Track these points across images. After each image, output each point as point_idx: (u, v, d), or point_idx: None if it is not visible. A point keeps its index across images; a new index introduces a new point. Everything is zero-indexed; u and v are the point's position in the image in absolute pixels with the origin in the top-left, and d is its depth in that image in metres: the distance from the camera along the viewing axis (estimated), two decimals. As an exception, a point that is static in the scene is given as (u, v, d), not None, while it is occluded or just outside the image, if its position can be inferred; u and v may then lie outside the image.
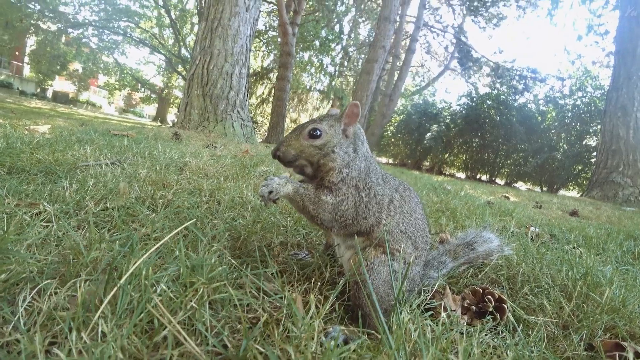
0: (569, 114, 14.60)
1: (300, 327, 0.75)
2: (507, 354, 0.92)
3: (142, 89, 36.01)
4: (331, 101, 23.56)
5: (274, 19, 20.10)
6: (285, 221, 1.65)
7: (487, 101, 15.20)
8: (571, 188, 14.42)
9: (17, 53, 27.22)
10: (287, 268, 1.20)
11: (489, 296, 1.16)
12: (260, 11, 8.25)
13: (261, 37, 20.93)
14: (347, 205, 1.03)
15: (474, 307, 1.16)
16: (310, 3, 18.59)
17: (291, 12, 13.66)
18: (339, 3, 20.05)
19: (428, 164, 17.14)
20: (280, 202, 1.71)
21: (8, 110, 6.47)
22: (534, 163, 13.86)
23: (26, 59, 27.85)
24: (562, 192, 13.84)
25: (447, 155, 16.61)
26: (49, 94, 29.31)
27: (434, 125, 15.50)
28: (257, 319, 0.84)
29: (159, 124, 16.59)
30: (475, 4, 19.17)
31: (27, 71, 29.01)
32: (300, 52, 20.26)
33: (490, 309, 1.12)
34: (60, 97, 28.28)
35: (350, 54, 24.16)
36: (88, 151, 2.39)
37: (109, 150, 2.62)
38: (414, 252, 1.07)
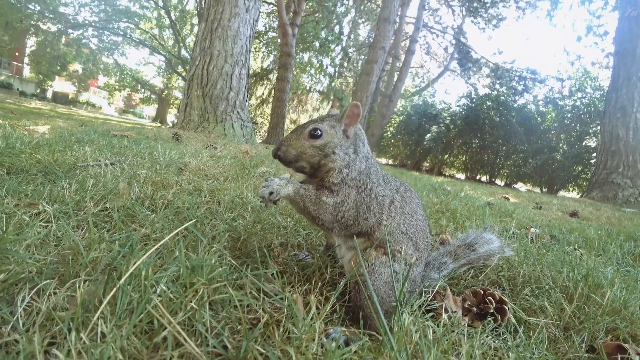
0: (569, 115, 14.63)
1: (301, 328, 0.75)
2: (508, 356, 0.92)
3: (142, 90, 36.05)
4: (331, 102, 23.58)
5: (274, 19, 20.14)
6: (286, 222, 1.64)
7: (487, 102, 15.22)
8: (571, 189, 14.43)
9: (17, 54, 27.23)
10: (288, 269, 1.19)
11: (490, 297, 1.15)
12: (260, 12, 8.27)
13: (261, 38, 20.96)
14: (348, 206, 1.02)
15: (474, 309, 1.15)
16: (310, 4, 18.62)
17: (291, 13, 13.68)
18: (339, 4, 20.09)
19: (428, 164, 17.15)
20: (280, 203, 1.71)
21: (8, 110, 6.47)
22: (534, 164, 13.87)
23: (26, 60, 27.86)
24: (561, 193, 13.85)
25: (446, 156, 16.62)
26: (49, 94, 29.33)
27: (434, 126, 15.51)
28: (258, 319, 0.84)
29: (159, 124, 16.59)
30: (475, 5, 19.21)
31: (27, 72, 29.02)
32: (300, 53, 20.29)
33: (491, 311, 1.11)
34: (60, 98, 28.29)
35: (350, 54, 24.19)
36: (88, 152, 2.38)
37: (108, 151, 2.62)
38: (415, 253, 1.07)
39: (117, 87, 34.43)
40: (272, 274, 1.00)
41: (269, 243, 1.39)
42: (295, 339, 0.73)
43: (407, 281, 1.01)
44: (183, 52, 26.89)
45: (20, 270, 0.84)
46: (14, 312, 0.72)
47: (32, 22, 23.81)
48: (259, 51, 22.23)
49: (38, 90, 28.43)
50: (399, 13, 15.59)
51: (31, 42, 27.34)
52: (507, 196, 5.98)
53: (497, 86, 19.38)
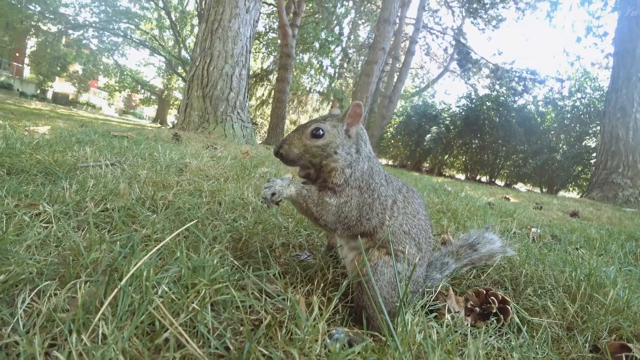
0: (569, 115, 14.63)
1: (304, 329, 0.74)
2: (512, 356, 0.91)
3: (142, 91, 36.07)
4: (331, 103, 23.60)
5: (274, 20, 20.16)
6: (287, 222, 1.64)
7: (487, 102, 15.23)
8: (571, 189, 14.43)
9: (17, 54, 27.24)
10: (289, 269, 1.19)
11: (493, 297, 1.15)
12: (260, 13, 8.27)
13: (261, 39, 20.98)
14: (351, 206, 1.02)
15: (477, 309, 1.15)
16: (310, 5, 18.64)
17: (291, 14, 13.69)
18: (339, 5, 20.12)
19: (428, 165, 17.15)
20: (282, 204, 1.71)
21: (8, 111, 6.46)
22: (534, 164, 13.87)
23: (26, 60, 27.87)
24: (561, 193, 13.85)
25: (446, 157, 16.62)
26: (49, 95, 29.33)
27: (434, 127, 15.51)
28: (260, 320, 0.83)
29: (159, 125, 16.59)
30: (475, 5, 19.24)
31: (27, 72, 29.03)
32: (300, 54, 20.31)
33: (494, 311, 1.11)
34: (60, 99, 28.29)
35: (350, 55, 24.22)
36: (88, 152, 2.38)
37: (109, 151, 2.61)
38: (418, 254, 1.06)
39: (117, 87, 34.43)
40: (274, 275, 1.00)
41: (271, 244, 1.38)
42: (298, 340, 0.73)
43: (410, 281, 1.00)
44: (183, 52, 26.91)
45: (20, 271, 0.83)
46: (14, 314, 0.71)
47: (32, 22, 23.82)
48: (259, 52, 22.24)
49: (38, 91, 28.44)
50: (398, 14, 15.62)
51: (31, 43, 27.35)
52: (507, 196, 5.98)
53: (497, 87, 19.41)
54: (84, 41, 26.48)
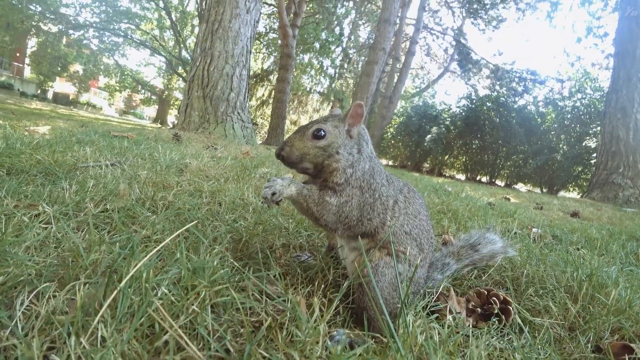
0: (569, 116, 14.63)
1: (305, 331, 0.74)
2: (514, 357, 0.91)
3: (143, 91, 36.08)
4: (331, 103, 23.60)
5: (275, 21, 20.17)
6: (287, 223, 1.63)
7: (487, 103, 15.23)
8: (571, 189, 14.42)
9: (18, 54, 27.27)
10: (290, 270, 1.18)
11: (494, 298, 1.14)
12: (260, 13, 8.27)
13: (261, 39, 20.99)
14: (352, 206, 1.01)
15: (479, 309, 1.14)
16: (311, 5, 18.66)
17: (291, 15, 13.70)
18: (339, 5, 20.13)
19: (428, 165, 17.15)
20: (282, 204, 1.70)
21: (8, 111, 6.46)
22: (534, 164, 13.87)
23: (27, 61, 27.89)
24: (562, 193, 13.85)
25: (447, 157, 16.62)
26: (50, 95, 29.35)
27: (434, 127, 15.52)
28: (260, 322, 0.83)
29: (159, 125, 16.59)
30: (475, 6, 19.25)
31: (27, 72, 29.05)
32: (301, 54, 20.31)
33: (496, 311, 1.10)
34: (60, 99, 28.31)
35: (351, 56, 24.22)
36: (88, 152, 2.37)
37: (109, 152, 2.61)
38: (420, 254, 1.06)
39: (117, 88, 34.43)
40: (275, 276, 0.99)
41: (271, 244, 1.38)
42: (298, 342, 0.72)
43: (411, 282, 1.00)
44: (184, 53, 26.92)
45: (19, 272, 0.83)
46: (13, 316, 0.70)
47: (33, 23, 23.84)
48: (259, 52, 22.26)
49: (39, 91, 28.45)
50: (399, 14, 15.62)
51: (32, 43, 27.37)
52: (507, 197, 5.97)
53: (497, 87, 19.42)
54: (85, 41, 26.50)
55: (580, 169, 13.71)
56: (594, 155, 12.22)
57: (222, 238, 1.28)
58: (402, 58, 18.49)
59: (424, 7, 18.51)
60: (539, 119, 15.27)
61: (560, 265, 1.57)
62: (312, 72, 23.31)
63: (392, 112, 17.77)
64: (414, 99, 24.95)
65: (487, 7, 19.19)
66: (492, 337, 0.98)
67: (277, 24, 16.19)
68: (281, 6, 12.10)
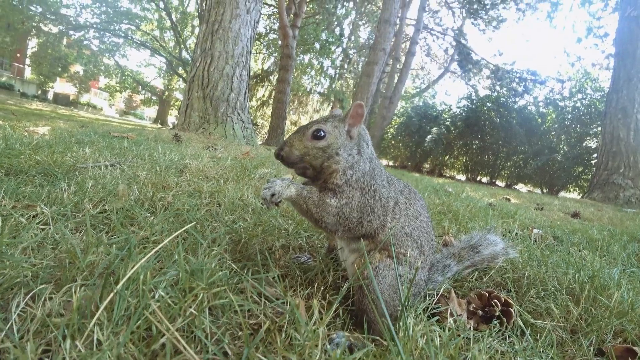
0: (569, 116, 14.62)
1: (304, 334, 0.73)
2: (516, 361, 0.90)
3: (143, 91, 36.10)
4: (331, 103, 23.61)
5: (275, 21, 20.18)
6: (287, 224, 1.62)
7: (487, 103, 15.22)
8: (572, 190, 14.40)
9: (18, 55, 27.30)
10: (289, 272, 1.17)
11: (496, 300, 1.13)
12: (260, 14, 8.27)
13: (262, 40, 21.01)
14: (352, 208, 1.00)
15: (480, 312, 1.13)
16: (311, 6, 18.67)
17: (291, 15, 13.71)
18: (339, 6, 20.14)
19: (428, 166, 17.14)
20: (282, 205, 1.69)
21: (9, 112, 6.46)
22: (534, 165, 13.85)
23: (27, 61, 27.93)
24: (562, 193, 13.83)
25: (447, 158, 16.60)
26: (50, 95, 29.37)
27: (434, 128, 15.51)
28: (259, 325, 0.82)
29: (160, 126, 16.60)
30: (475, 6, 19.25)
31: (28, 73, 29.09)
32: (301, 55, 20.32)
33: (497, 313, 1.09)
34: (61, 99, 28.34)
35: (351, 56, 24.23)
36: (87, 153, 2.36)
37: (108, 152, 2.60)
38: (420, 256, 1.05)
39: (118, 88, 34.48)
40: (274, 278, 0.98)
41: (270, 246, 1.37)
42: (297, 345, 0.71)
43: (412, 284, 0.99)
44: (184, 53, 26.95)
45: (15, 274, 0.82)
46: (8, 319, 0.70)
47: (33, 23, 23.88)
48: (259, 53, 22.27)
49: (39, 92, 28.47)
50: (399, 15, 15.63)
51: (32, 44, 27.42)
52: (508, 197, 5.96)
53: (498, 87, 19.41)
54: (85, 42, 26.55)
55: (580, 169, 13.69)
56: (595, 155, 12.20)
57: (221, 239, 1.27)
58: (402, 58, 18.49)
59: (424, 7, 18.51)
60: (539, 120, 15.26)
61: (562, 266, 1.56)
62: (313, 73, 23.32)
63: (393, 113, 17.77)
64: (414, 100, 24.95)
65: (487, 7, 19.19)
66: (494, 340, 0.97)
67: (277, 24, 16.19)
68: (281, 7, 12.11)
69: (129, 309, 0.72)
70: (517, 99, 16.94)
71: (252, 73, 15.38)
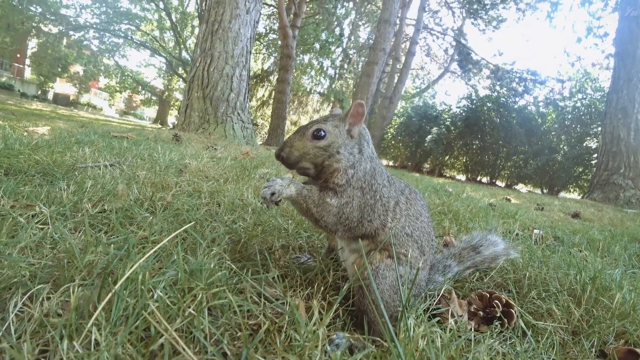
0: (569, 116, 14.62)
1: (304, 334, 0.72)
2: (517, 362, 0.89)
3: (143, 92, 36.10)
4: (331, 104, 23.61)
5: (275, 21, 20.18)
6: (287, 224, 1.62)
7: (487, 103, 15.23)
8: (572, 190, 14.40)
9: (18, 55, 27.32)
10: (289, 272, 1.16)
11: (497, 301, 1.12)
12: (260, 14, 8.27)
13: (261, 40, 21.01)
14: (352, 207, 0.99)
15: (481, 313, 1.12)
16: (311, 6, 18.67)
17: (291, 15, 13.71)
18: (339, 6, 20.14)
19: (428, 166, 17.14)
20: (282, 204, 1.69)
21: (8, 112, 6.46)
22: (535, 165, 13.84)
23: (27, 61, 27.94)
24: (562, 194, 13.82)
25: (447, 158, 16.60)
26: (50, 96, 29.37)
27: (434, 128, 15.51)
28: (259, 325, 0.81)
29: (160, 126, 16.59)
30: (475, 6, 19.25)
31: (28, 73, 29.09)
32: (301, 55, 20.32)
33: (498, 314, 1.09)
34: (61, 99, 28.34)
35: (351, 56, 24.23)
36: (87, 153, 2.36)
37: (108, 152, 2.60)
38: (421, 257, 1.04)
39: (118, 88, 34.48)
40: (273, 278, 0.98)
41: (270, 246, 1.36)
42: (297, 346, 0.70)
43: (413, 285, 0.98)
44: (184, 53, 26.95)
45: (12, 274, 0.81)
46: (6, 319, 0.69)
47: (33, 24, 23.89)
48: (259, 53, 22.27)
49: (39, 92, 28.48)
50: (399, 15, 15.63)
51: (32, 44, 27.42)
52: (508, 197, 5.95)
53: (498, 87, 19.41)
54: (85, 42, 26.55)
55: (580, 169, 13.69)
56: (595, 155, 12.20)
57: (221, 239, 1.26)
58: (402, 58, 18.49)
59: (424, 7, 18.51)
60: (539, 120, 15.26)
61: (563, 267, 1.55)
62: (312, 73, 23.33)
63: (393, 113, 17.76)
64: (414, 100, 24.95)
65: (487, 7, 19.19)
66: (495, 341, 0.97)
67: (277, 24, 16.19)
68: (281, 7, 12.11)
69: (127, 309, 0.71)
70: (517, 99, 16.95)
71: (252, 73, 15.38)
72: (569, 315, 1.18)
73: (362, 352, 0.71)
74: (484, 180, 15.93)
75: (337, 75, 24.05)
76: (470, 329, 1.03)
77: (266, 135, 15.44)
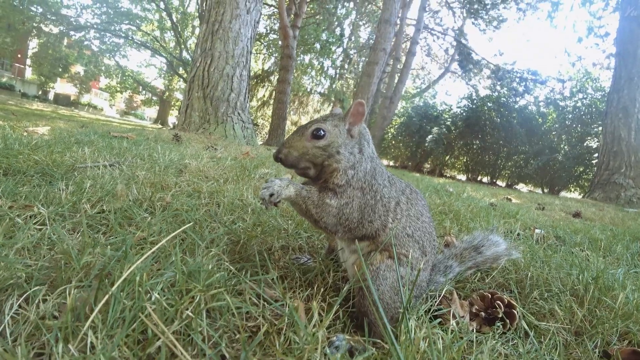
0: (570, 116, 14.60)
1: (303, 337, 0.71)
2: (520, 364, 0.88)
3: (143, 92, 36.13)
4: (332, 104, 23.60)
5: (275, 21, 20.18)
6: (287, 224, 1.61)
7: (488, 103, 15.21)
8: (572, 190, 14.38)
9: (19, 55, 27.36)
10: (289, 273, 1.15)
11: (498, 301, 1.11)
12: (261, 14, 8.26)
13: (262, 40, 21.00)
14: (352, 208, 0.98)
15: (482, 313, 1.11)
16: (311, 6, 18.66)
17: (292, 15, 13.70)
18: (340, 6, 20.12)
19: (429, 166, 17.13)
20: (282, 205, 1.68)
21: (9, 112, 6.46)
22: (535, 165, 13.82)
23: (28, 62, 27.98)
24: (563, 193, 13.80)
25: (448, 158, 16.59)
26: (51, 96, 29.42)
27: (435, 128, 15.50)
28: (257, 327, 0.80)
29: (160, 126, 16.59)
30: (475, 6, 19.21)
31: (29, 73, 29.14)
32: (301, 55, 20.32)
33: (500, 315, 1.08)
34: (61, 100, 28.39)
35: (351, 56, 24.22)
36: (87, 153, 2.35)
37: (108, 152, 2.59)
38: (422, 257, 1.03)
39: (118, 89, 34.51)
40: (273, 279, 0.97)
41: (270, 246, 1.35)
42: (297, 348, 0.69)
43: (414, 286, 0.97)
44: (184, 53, 26.97)
45: (8, 275, 0.80)
46: (1, 321, 0.68)
47: (34, 24, 23.91)
48: (260, 53, 22.27)
49: (40, 92, 28.52)
50: (399, 15, 15.60)
51: (33, 44, 27.46)
52: (509, 197, 5.93)
53: (498, 87, 19.37)
54: (86, 42, 26.57)
55: (581, 169, 13.66)
56: (596, 155, 12.18)
57: (220, 240, 1.25)
58: (403, 58, 18.47)
59: (425, 7, 18.49)
60: (540, 119, 15.23)
61: (565, 267, 1.54)
62: (313, 73, 23.32)
63: (393, 113, 17.74)
64: (415, 100, 24.93)
65: (488, 7, 19.15)
66: (497, 343, 0.96)
67: (278, 24, 16.18)
68: (282, 7, 12.10)
69: (124, 312, 0.70)
70: (517, 99, 16.92)
71: (252, 73, 15.37)
72: (571, 315, 1.16)
73: (363, 355, 0.70)
74: (485, 180, 15.91)
75: (337, 76, 24.04)
76: (472, 330, 1.02)
77: (267, 136, 15.44)
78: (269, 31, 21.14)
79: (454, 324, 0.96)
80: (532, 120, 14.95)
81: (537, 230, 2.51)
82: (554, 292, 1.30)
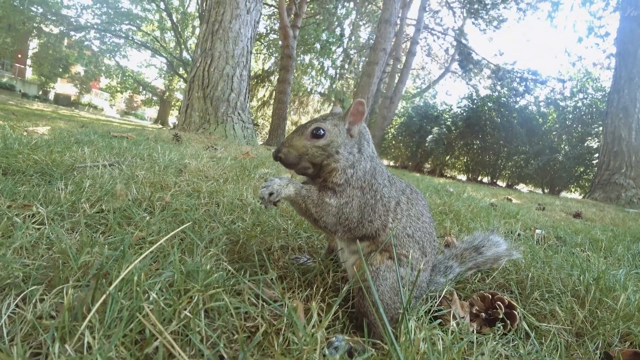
0: (570, 116, 14.59)
1: (302, 337, 0.70)
2: (520, 365, 0.87)
3: (144, 92, 36.15)
4: (332, 104, 23.59)
5: (275, 21, 20.19)
6: (286, 224, 1.60)
7: (488, 103, 15.20)
8: (573, 190, 14.37)
9: (19, 56, 27.39)
10: (288, 273, 1.15)
11: (499, 302, 1.11)
12: (261, 14, 8.27)
13: (262, 40, 21.01)
14: (352, 207, 0.98)
15: (483, 314, 1.11)
16: (311, 6, 18.66)
17: (292, 15, 13.71)
18: (340, 6, 20.12)
19: (429, 166, 17.13)
20: (281, 205, 1.67)
21: (9, 112, 6.46)
22: (535, 165, 13.81)
23: (28, 62, 28.02)
24: (563, 194, 13.79)
25: (448, 158, 16.58)
26: (51, 96, 29.46)
27: (435, 128, 15.49)
28: (256, 328, 0.79)
29: (160, 126, 16.60)
30: (476, 6, 19.20)
31: (29, 73, 29.17)
32: (301, 55, 20.32)
33: (501, 316, 1.07)
34: (62, 100, 28.43)
35: (351, 56, 24.22)
36: (86, 152, 2.35)
37: (107, 152, 2.59)
38: (422, 258, 1.02)
39: (118, 89, 34.54)
40: (272, 279, 0.96)
41: (269, 246, 1.35)
42: (295, 349, 0.69)
43: (414, 287, 0.96)
44: (184, 54, 26.99)
45: (6, 275, 0.80)
46: (-2, 321, 0.67)
47: (34, 24, 23.94)
48: (260, 53, 22.28)
49: (40, 92, 28.55)
50: (399, 15, 15.59)
51: (34, 44, 27.49)
52: (509, 197, 5.93)
53: (498, 87, 19.36)
54: (86, 42, 26.59)
55: (582, 169, 13.65)
56: (596, 155, 12.18)
57: (219, 240, 1.25)
58: (403, 58, 18.47)
59: (425, 7, 18.49)
60: (540, 119, 15.23)
61: (566, 267, 1.53)
62: (313, 73, 23.32)
63: (393, 113, 17.74)
64: (415, 100, 24.93)
65: (488, 7, 19.15)
66: (497, 344, 0.95)
67: (278, 24, 16.18)
68: (282, 7, 12.11)
69: (122, 312, 0.70)
70: (518, 99, 16.91)
71: (252, 73, 15.38)
72: (572, 316, 1.16)
73: (362, 356, 0.69)
74: (485, 180, 15.90)
75: (337, 76, 24.04)
76: (473, 331, 1.01)
77: (267, 136, 15.44)
78: (269, 31, 21.15)
79: (454, 324, 0.95)
80: (533, 120, 14.94)
81: (537, 231, 2.50)
82: (554, 293, 1.29)
